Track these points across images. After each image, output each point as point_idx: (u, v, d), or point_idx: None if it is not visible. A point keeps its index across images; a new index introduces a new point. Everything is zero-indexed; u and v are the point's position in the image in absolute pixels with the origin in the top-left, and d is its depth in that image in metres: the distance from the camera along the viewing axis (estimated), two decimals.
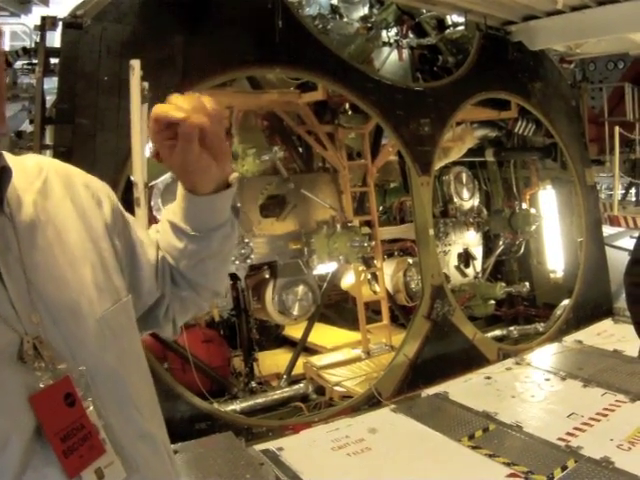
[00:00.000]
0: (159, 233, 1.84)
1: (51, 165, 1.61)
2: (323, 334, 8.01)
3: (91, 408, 1.35)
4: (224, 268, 1.99)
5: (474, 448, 4.75)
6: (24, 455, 1.22)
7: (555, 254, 9.38)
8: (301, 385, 6.76)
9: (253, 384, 6.74)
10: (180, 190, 1.74)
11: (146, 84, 4.24)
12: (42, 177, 1.54)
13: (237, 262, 6.68)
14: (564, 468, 4.34)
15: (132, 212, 4.08)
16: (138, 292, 1.72)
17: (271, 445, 4.91)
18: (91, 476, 1.30)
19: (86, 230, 1.55)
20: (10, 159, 1.49)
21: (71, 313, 1.39)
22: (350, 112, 7.59)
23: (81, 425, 1.31)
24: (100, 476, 1.32)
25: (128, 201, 4.16)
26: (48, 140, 4.90)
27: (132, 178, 4.32)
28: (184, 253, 1.77)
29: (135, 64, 4.15)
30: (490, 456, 4.59)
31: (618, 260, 7.71)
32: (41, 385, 1.26)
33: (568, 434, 4.88)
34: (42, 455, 1.24)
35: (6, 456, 1.20)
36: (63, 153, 4.65)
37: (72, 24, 4.86)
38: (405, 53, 8.15)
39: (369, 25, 7.55)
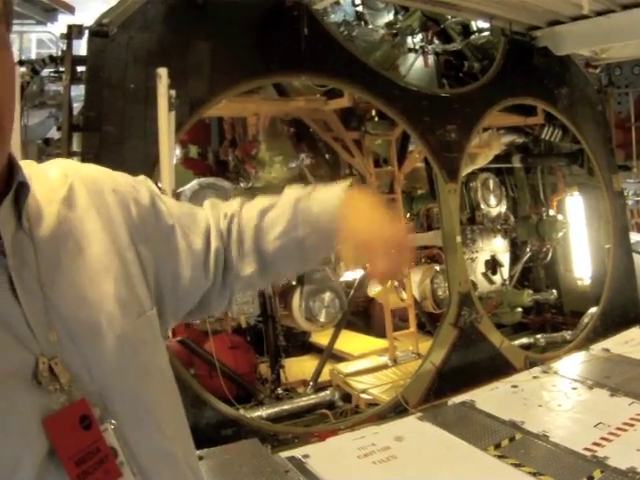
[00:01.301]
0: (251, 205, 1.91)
1: (77, 172, 1.58)
2: (350, 341, 8.00)
3: (109, 430, 1.32)
4: (303, 264, 2.02)
5: (500, 457, 4.71)
6: (37, 478, 1.19)
7: (582, 261, 9.29)
8: (327, 392, 6.74)
9: (279, 391, 6.74)
10: (331, 220, 1.75)
11: (173, 92, 4.29)
12: (67, 186, 1.51)
13: None
14: (590, 478, 4.28)
15: None
16: (177, 278, 1.70)
17: (297, 452, 4.88)
18: None
19: (111, 240, 1.51)
20: (34, 168, 1.49)
21: (90, 331, 1.36)
22: (377, 119, 7.56)
23: (97, 449, 1.28)
24: None
25: None
26: (75, 147, 4.94)
27: (160, 185, 4.35)
28: (285, 235, 1.79)
29: (162, 72, 4.20)
30: (516, 466, 4.53)
31: None
32: (56, 407, 1.24)
33: (594, 444, 4.81)
34: (56, 478, 1.22)
35: (17, 479, 1.17)
36: (90, 160, 4.65)
37: (98, 32, 4.90)
38: (430, 59, 8.13)
39: (394, 32, 7.55)
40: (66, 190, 1.49)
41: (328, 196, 1.77)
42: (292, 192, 1.84)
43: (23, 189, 1.34)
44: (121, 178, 1.69)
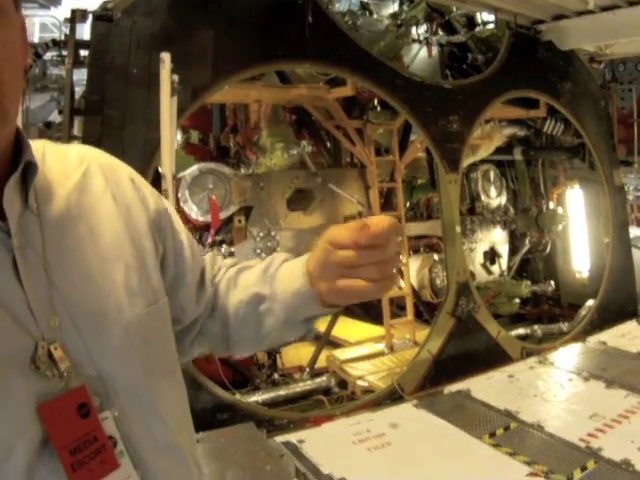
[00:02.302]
0: (235, 266, 1.80)
1: (95, 157, 1.56)
2: (347, 328, 8.02)
3: (109, 419, 1.29)
4: (258, 346, 1.99)
5: (495, 446, 4.74)
6: (29, 466, 1.17)
7: (581, 254, 9.31)
8: (323, 378, 6.77)
9: (275, 376, 6.77)
10: (305, 285, 1.57)
11: (176, 77, 4.30)
12: (82, 169, 1.48)
13: (263, 255, 6.72)
14: (584, 469, 4.32)
15: None
16: (181, 282, 1.68)
17: (292, 437, 4.91)
18: None
19: (127, 228, 1.48)
20: (52, 147, 1.49)
21: (95, 318, 1.32)
22: (379, 108, 7.58)
23: (94, 437, 1.25)
24: None
25: None
26: (76, 131, 4.95)
27: (160, 170, 4.37)
28: (254, 310, 1.67)
29: (165, 57, 4.21)
30: (510, 454, 4.57)
31: None
32: (53, 394, 1.22)
33: (589, 435, 4.85)
34: (50, 467, 1.20)
35: (10, 466, 1.15)
36: (91, 144, 4.67)
37: (102, 17, 4.90)
38: (434, 50, 8.13)
39: (399, 22, 7.54)
40: (81, 173, 1.48)
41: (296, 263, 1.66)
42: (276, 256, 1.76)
43: (31, 168, 1.32)
44: (137, 174, 1.68)
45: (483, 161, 8.79)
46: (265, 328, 1.66)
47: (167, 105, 4.21)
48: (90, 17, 5.01)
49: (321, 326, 7.33)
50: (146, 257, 1.50)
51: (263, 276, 1.67)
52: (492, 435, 4.94)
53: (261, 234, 6.75)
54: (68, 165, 1.47)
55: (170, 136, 4.24)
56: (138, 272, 1.46)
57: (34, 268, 1.26)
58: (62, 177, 1.43)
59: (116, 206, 1.48)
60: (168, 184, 4.25)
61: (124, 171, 1.61)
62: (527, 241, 9.28)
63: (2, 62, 1.21)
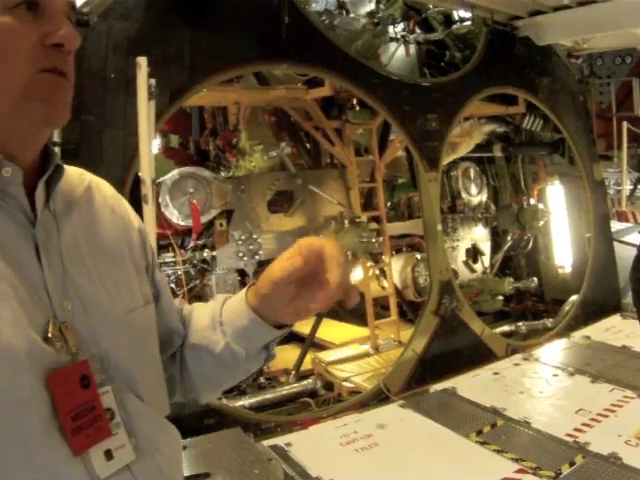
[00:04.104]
0: (194, 310, 1.86)
1: (89, 175, 1.68)
2: (331, 330, 8.02)
3: (109, 394, 1.39)
4: (221, 387, 2.01)
5: (482, 444, 4.75)
6: (37, 430, 1.24)
7: (563, 250, 9.38)
8: (309, 381, 6.76)
9: (262, 380, 6.76)
10: (246, 310, 1.68)
11: (153, 81, 4.26)
12: (85, 183, 1.63)
13: (245, 258, 6.70)
14: (572, 464, 4.33)
15: (140, 209, 4.11)
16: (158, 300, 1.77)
17: (279, 441, 4.91)
18: (100, 456, 1.34)
19: (124, 237, 1.64)
20: None
21: (101, 306, 1.45)
22: (358, 108, 7.58)
23: (93, 407, 1.34)
24: (109, 457, 1.36)
25: (136, 198, 4.18)
26: (56, 137, 4.90)
27: (140, 174, 4.34)
28: (208, 351, 1.75)
29: (142, 61, 4.17)
30: (498, 452, 4.58)
31: (626, 256, 7.66)
32: (59, 365, 1.30)
33: (576, 430, 4.86)
34: (53, 431, 1.27)
35: (21, 427, 1.22)
36: (70, 150, 4.64)
37: (79, 21, 4.79)
38: (412, 48, 8.15)
39: (376, 21, 7.56)
40: (85, 187, 1.62)
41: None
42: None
43: (57, 173, 1.46)
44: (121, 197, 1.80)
45: (463, 159, 8.82)
46: (227, 369, 1.78)
47: (144, 109, 4.17)
48: None
49: (306, 328, 7.31)
50: (139, 265, 1.67)
51: (212, 322, 1.76)
52: (479, 433, 4.95)
53: (243, 237, 6.73)
54: (72, 178, 1.60)
55: (148, 140, 4.21)
56: (134, 276, 1.62)
57: (53, 257, 1.39)
58: (68, 187, 1.56)
59: (115, 217, 1.65)
60: (148, 189, 4.21)
61: (111, 189, 1.73)
62: (509, 238, 9.32)
63: (70, 59, 1.39)
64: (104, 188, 1.68)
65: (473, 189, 8.96)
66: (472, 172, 8.99)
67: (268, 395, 6.39)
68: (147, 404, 1.52)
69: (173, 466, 1.58)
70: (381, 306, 8.12)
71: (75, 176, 1.62)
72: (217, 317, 1.75)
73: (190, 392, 1.91)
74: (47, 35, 1.32)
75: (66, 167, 1.56)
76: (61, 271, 1.39)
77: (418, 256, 8.17)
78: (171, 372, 1.82)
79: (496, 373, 6.29)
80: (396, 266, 8.02)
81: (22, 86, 1.30)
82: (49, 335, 1.30)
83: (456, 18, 8.77)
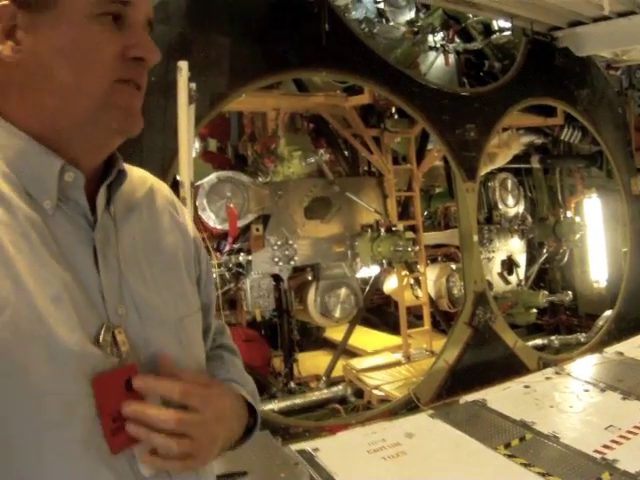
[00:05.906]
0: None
1: (152, 178, 1.72)
2: (364, 337, 8.03)
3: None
4: None
5: (510, 457, 4.71)
6: (82, 430, 1.26)
7: (599, 264, 9.29)
8: (340, 387, 6.78)
9: (292, 384, 6.80)
10: None
11: (193, 85, 4.30)
12: (147, 186, 1.65)
13: (281, 263, 6.74)
14: None
15: None
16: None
17: (307, 445, 4.91)
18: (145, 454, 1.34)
19: (181, 244, 1.66)
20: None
21: (154, 312, 1.47)
22: (396, 116, 7.59)
23: None
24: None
25: None
26: None
27: (178, 178, 4.39)
28: None
29: (183, 65, 4.21)
30: (525, 465, 4.54)
31: None
32: (106, 368, 1.30)
33: (605, 446, 4.80)
34: (96, 431, 1.28)
35: (71, 427, 1.24)
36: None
37: None
38: (451, 58, 8.13)
39: (415, 29, 7.58)
40: (146, 190, 1.64)
41: None
42: None
43: (119, 177, 1.48)
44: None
45: (500, 169, 8.77)
46: None
47: (184, 113, 4.21)
48: None
49: (338, 335, 7.33)
50: (192, 273, 1.69)
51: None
52: (507, 446, 4.91)
53: (279, 242, 6.76)
54: (135, 181, 1.62)
55: (188, 144, 4.25)
56: (188, 283, 1.65)
57: (110, 261, 1.40)
58: (131, 190, 1.58)
59: (173, 223, 1.67)
60: (186, 192, 4.25)
61: (172, 194, 1.77)
62: (545, 250, 9.26)
63: (146, 73, 1.43)
64: (166, 193, 1.72)
65: (510, 200, 8.90)
66: (509, 183, 8.93)
67: (298, 400, 6.42)
68: None
69: (207, 466, 1.59)
70: (414, 315, 8.11)
71: (137, 178, 1.64)
72: None
73: None
74: (129, 47, 1.36)
75: (128, 168, 1.59)
76: (117, 276, 1.40)
77: (453, 266, 8.16)
78: None
79: (527, 386, 6.24)
80: (431, 276, 8.00)
81: (100, 95, 1.34)
82: (100, 339, 1.31)
83: (495, 28, 8.74)
